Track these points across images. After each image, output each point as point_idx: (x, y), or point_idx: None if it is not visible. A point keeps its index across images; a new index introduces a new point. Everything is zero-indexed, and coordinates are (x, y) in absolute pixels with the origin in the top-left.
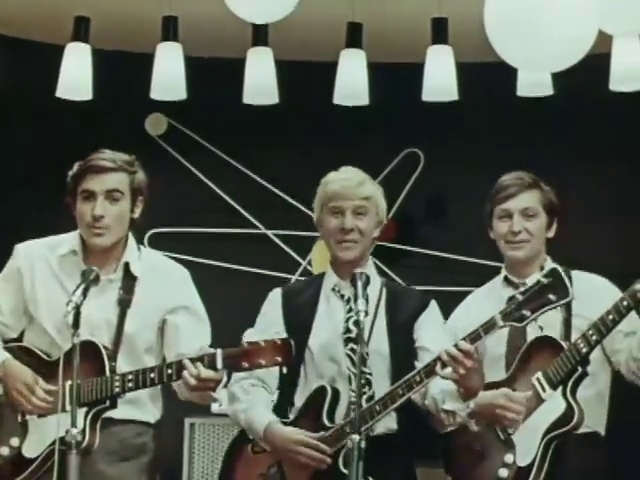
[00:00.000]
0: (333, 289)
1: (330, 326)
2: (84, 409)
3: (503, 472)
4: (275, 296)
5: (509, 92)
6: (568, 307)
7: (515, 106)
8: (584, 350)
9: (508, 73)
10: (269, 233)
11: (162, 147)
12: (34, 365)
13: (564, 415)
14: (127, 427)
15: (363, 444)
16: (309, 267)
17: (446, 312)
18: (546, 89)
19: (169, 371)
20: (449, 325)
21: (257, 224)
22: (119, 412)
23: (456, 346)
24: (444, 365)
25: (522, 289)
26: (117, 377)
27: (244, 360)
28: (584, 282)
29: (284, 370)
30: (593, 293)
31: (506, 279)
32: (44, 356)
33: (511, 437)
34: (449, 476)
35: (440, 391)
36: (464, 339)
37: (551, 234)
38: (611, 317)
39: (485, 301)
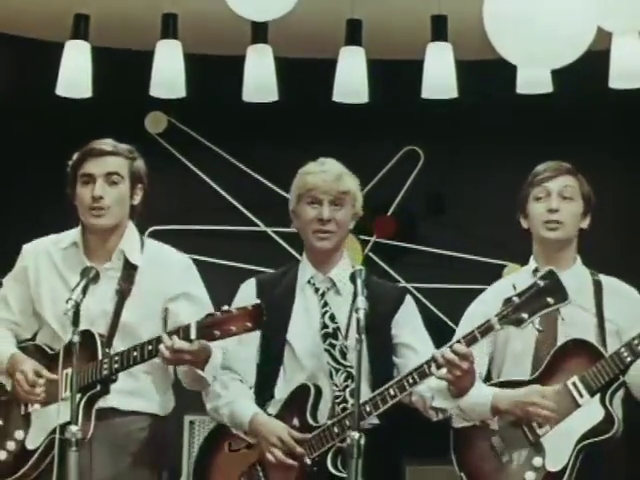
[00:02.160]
0: (309, 281)
1: (307, 321)
2: (77, 395)
3: (530, 475)
4: (249, 287)
5: (508, 89)
6: (600, 312)
7: (514, 103)
8: (628, 359)
9: (507, 70)
10: (269, 231)
11: (162, 145)
12: (41, 360)
13: (603, 423)
14: (131, 419)
15: (362, 441)
16: None
17: (446, 309)
18: (545, 86)
19: (149, 347)
20: (471, 312)
21: (257, 222)
22: (123, 403)
23: (451, 348)
24: (439, 366)
25: (518, 291)
26: (105, 360)
27: (216, 329)
28: (613, 287)
29: (257, 332)
30: (623, 300)
31: (536, 271)
32: (48, 350)
33: (540, 440)
34: (462, 473)
35: (428, 389)
36: (459, 341)
37: (585, 225)
38: None
39: (508, 291)
